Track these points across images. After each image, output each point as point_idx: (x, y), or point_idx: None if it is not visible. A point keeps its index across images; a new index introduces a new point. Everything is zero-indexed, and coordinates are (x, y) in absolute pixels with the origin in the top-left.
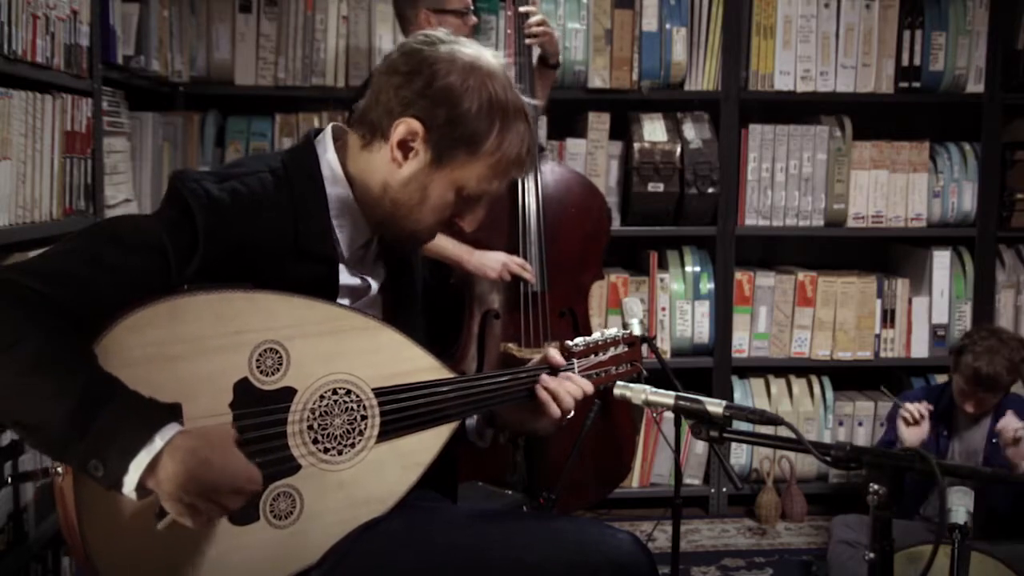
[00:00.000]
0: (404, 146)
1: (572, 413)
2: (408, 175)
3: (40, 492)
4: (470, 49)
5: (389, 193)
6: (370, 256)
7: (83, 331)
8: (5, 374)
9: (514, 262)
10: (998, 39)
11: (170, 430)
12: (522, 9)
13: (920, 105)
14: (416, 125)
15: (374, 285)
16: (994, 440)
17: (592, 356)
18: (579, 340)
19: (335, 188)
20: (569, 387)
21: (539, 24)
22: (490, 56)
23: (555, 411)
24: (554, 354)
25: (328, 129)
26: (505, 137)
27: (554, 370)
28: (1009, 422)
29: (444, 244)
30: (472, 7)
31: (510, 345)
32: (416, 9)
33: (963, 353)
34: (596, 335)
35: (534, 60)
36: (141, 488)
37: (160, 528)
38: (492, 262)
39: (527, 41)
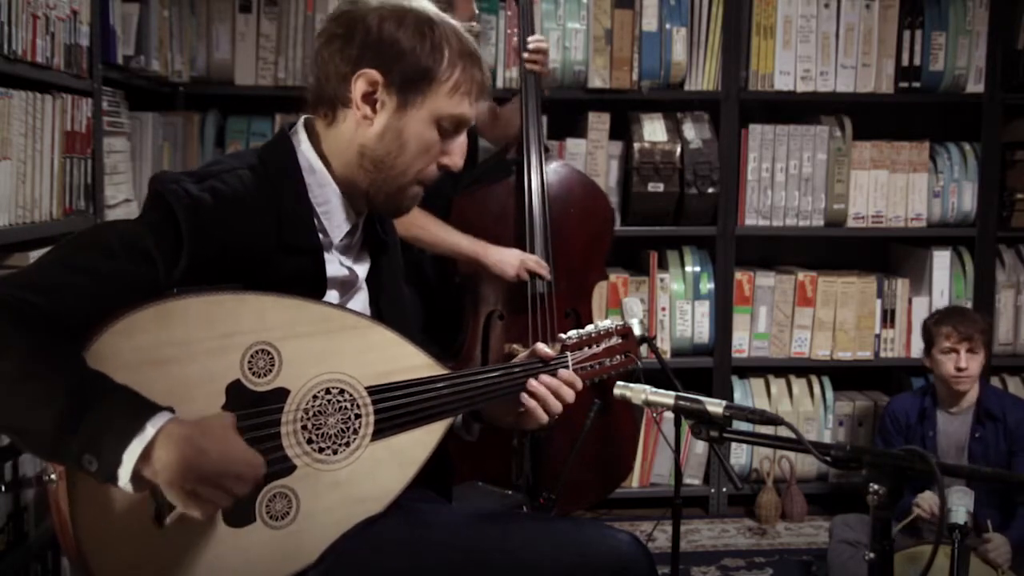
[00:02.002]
0: (369, 99)
1: (559, 415)
2: (381, 127)
3: (40, 492)
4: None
5: (367, 154)
6: (355, 245)
7: (74, 340)
8: None
9: (531, 259)
10: (998, 39)
11: (162, 418)
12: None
13: (920, 105)
14: (374, 74)
15: (361, 274)
16: (977, 435)
17: (586, 348)
18: (572, 333)
19: (314, 176)
20: (560, 390)
21: (537, 51)
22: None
23: (542, 417)
24: (542, 347)
25: (300, 121)
26: (455, 59)
27: (545, 363)
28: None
29: (459, 240)
30: (476, 21)
31: (515, 346)
32: None
33: (933, 325)
34: (590, 327)
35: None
36: (136, 478)
37: (168, 524)
38: (511, 258)
39: (526, 65)
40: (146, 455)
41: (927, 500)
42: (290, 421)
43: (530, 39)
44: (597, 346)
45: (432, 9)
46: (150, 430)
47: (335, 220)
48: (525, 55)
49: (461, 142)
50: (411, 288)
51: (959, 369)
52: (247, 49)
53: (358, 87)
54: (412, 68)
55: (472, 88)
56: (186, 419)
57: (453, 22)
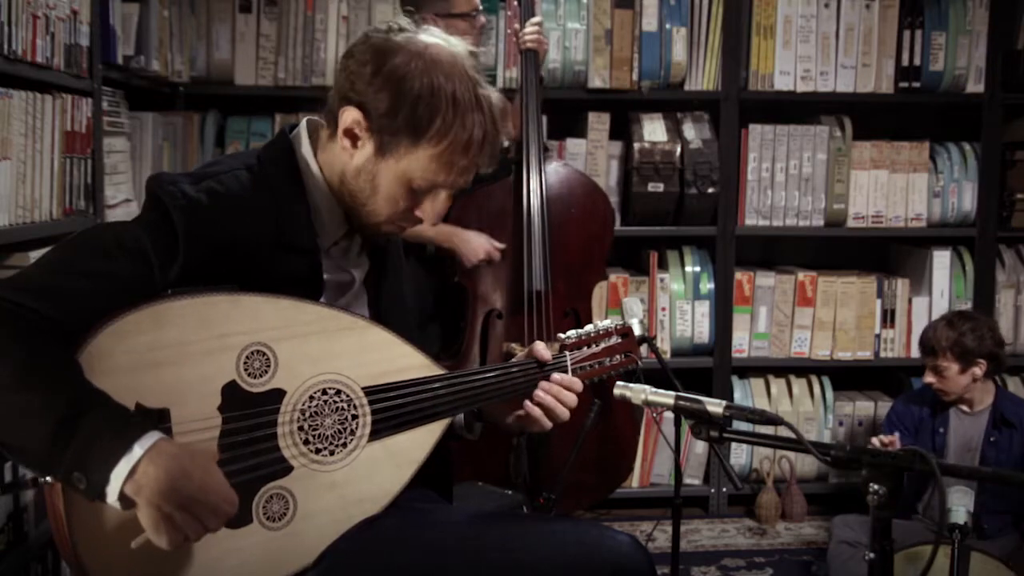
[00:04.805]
0: (351, 134)
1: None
2: (358, 165)
3: (40, 493)
4: (428, 37)
5: (346, 183)
6: (354, 248)
7: (69, 342)
8: None
9: (495, 251)
10: (998, 39)
11: (150, 438)
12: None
13: (920, 105)
14: (356, 114)
15: (358, 278)
16: (992, 439)
17: (585, 348)
18: (572, 332)
19: (311, 180)
20: (565, 398)
21: (533, 33)
22: (450, 43)
23: (546, 424)
24: (540, 348)
25: (303, 124)
26: (451, 125)
27: (541, 364)
28: None
29: (426, 230)
30: (480, 8)
31: (513, 345)
32: (421, 15)
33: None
34: (589, 327)
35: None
36: (123, 498)
37: (134, 546)
38: (476, 243)
39: (523, 45)
40: (132, 473)
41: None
42: (286, 422)
43: (528, 22)
44: (596, 346)
45: (460, 65)
46: (137, 450)
47: (328, 224)
48: (522, 34)
49: (436, 204)
50: (411, 278)
51: (928, 383)
52: (247, 49)
53: (343, 119)
54: (399, 121)
55: (459, 161)
56: (175, 440)
57: (486, 89)
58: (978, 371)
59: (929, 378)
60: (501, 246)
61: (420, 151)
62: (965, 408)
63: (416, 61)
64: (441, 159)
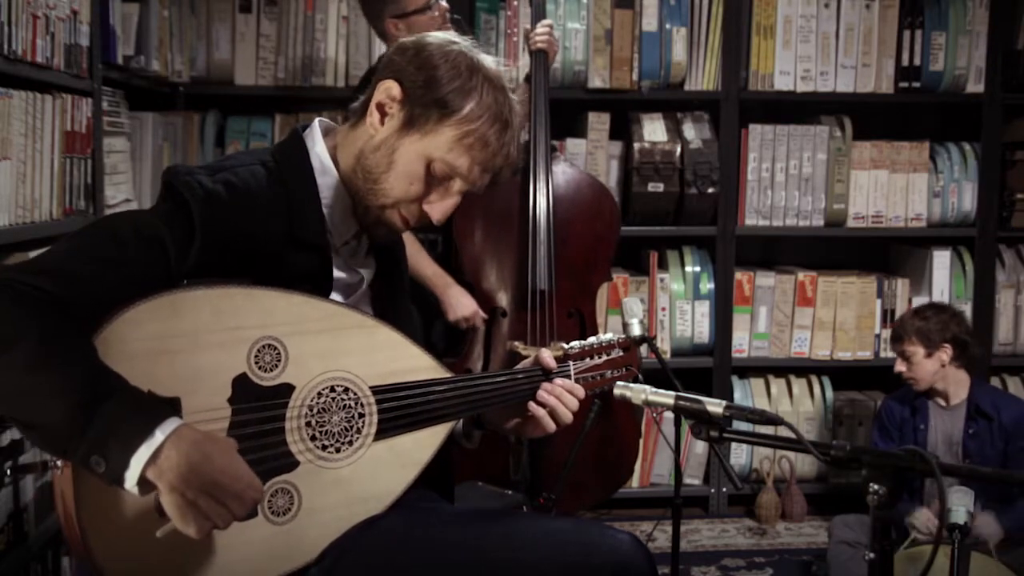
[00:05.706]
0: (381, 109)
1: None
2: (380, 139)
3: (40, 492)
4: (468, 46)
5: (361, 162)
6: (362, 249)
7: (85, 328)
8: (6, 374)
9: (479, 317)
10: (998, 39)
11: (171, 423)
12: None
13: (920, 105)
14: (394, 87)
15: (367, 278)
16: (971, 431)
17: (588, 359)
18: (575, 343)
19: (324, 178)
20: (568, 400)
21: (544, 34)
22: (486, 57)
23: (549, 425)
24: (546, 356)
25: (315, 123)
26: (481, 115)
27: (546, 371)
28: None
29: (425, 268)
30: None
31: (516, 344)
32: (383, 21)
33: None
34: (592, 339)
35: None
36: (143, 482)
37: (159, 535)
38: (465, 309)
39: (534, 45)
40: (154, 458)
41: (921, 519)
42: (294, 417)
43: (539, 23)
44: (599, 357)
45: (492, 69)
46: (159, 436)
47: (339, 223)
48: (532, 35)
49: (446, 200)
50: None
51: (898, 372)
52: (247, 49)
53: (378, 92)
54: (432, 96)
55: (480, 149)
56: (194, 424)
57: (512, 95)
58: (944, 356)
59: (899, 367)
60: (484, 316)
61: (445, 130)
62: (942, 402)
63: (460, 58)
64: (463, 143)
